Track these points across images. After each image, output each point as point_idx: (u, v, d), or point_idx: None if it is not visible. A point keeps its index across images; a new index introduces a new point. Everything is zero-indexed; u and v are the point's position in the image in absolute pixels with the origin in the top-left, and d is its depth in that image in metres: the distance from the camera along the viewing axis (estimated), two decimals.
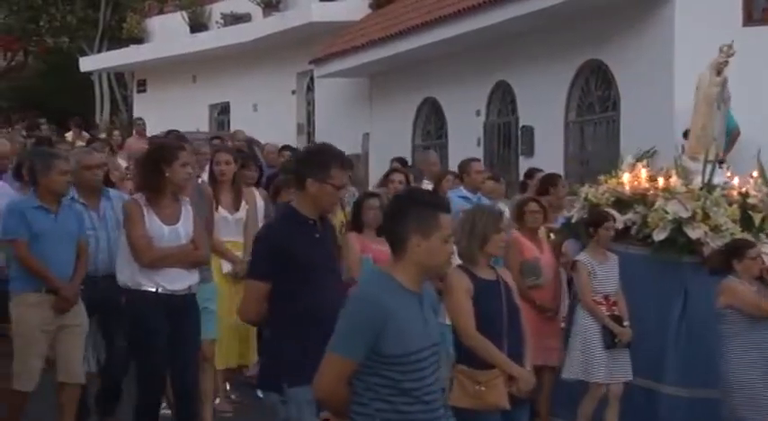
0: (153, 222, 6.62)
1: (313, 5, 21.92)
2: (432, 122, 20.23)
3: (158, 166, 6.66)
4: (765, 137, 12.77)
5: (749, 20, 14.24)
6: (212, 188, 8.42)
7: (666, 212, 8.69)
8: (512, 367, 6.00)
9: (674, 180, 9.10)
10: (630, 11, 14.85)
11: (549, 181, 10.75)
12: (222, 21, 25.33)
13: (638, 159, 9.75)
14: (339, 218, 9.89)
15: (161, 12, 28.59)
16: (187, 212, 6.79)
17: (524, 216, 8.86)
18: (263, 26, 23.53)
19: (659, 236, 8.67)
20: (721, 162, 9.69)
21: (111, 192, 8.03)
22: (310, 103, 24.31)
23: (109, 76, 31.54)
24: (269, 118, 23.51)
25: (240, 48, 24.12)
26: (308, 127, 24.41)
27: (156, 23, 28.37)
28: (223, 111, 26.91)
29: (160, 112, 24.99)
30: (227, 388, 9.06)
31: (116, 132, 20.60)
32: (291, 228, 5.30)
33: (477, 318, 6.01)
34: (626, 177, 9.38)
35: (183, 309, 6.72)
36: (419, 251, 4.08)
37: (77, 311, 7.30)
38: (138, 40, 28.29)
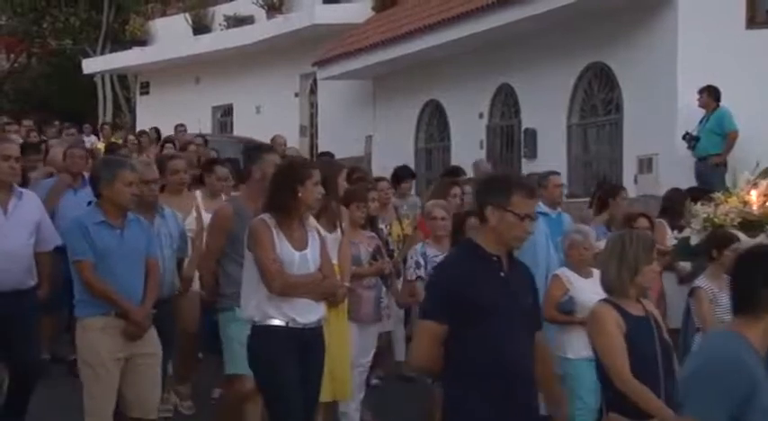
0: (283, 246, 5.96)
1: (316, 8, 21.95)
2: (435, 125, 20.24)
3: (291, 185, 6.01)
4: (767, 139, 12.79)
5: (752, 23, 14.25)
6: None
7: None
8: (673, 417, 5.04)
9: None
10: (634, 13, 14.86)
11: (611, 192, 10.13)
12: (225, 23, 25.33)
13: (761, 175, 8.88)
14: (396, 230, 9.49)
15: (164, 14, 28.63)
16: (314, 238, 6.16)
17: None
18: (266, 28, 23.55)
19: None
20: None
21: (166, 209, 7.44)
22: (313, 106, 24.32)
23: (112, 78, 31.58)
24: (272, 120, 23.49)
25: (243, 50, 24.14)
26: (310, 129, 24.43)
27: (159, 25, 28.39)
28: (226, 113, 26.93)
29: (163, 115, 24.99)
30: None
31: (145, 137, 19.28)
32: (471, 266, 4.62)
33: (630, 360, 5.25)
34: (753, 195, 8.67)
35: (312, 344, 6.08)
36: None
37: (150, 338, 6.57)
38: (142, 42, 28.30)
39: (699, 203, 9.21)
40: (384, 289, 8.28)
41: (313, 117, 24.36)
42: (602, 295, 5.63)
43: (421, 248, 8.14)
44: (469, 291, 4.55)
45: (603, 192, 10.30)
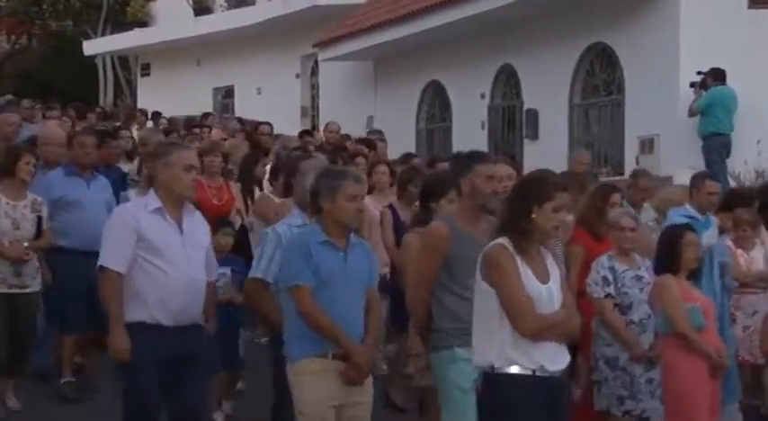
0: (528, 279, 4.94)
1: None
2: (436, 106, 20.21)
3: (525, 204, 4.98)
4: None
5: (754, 3, 14.24)
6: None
7: None
8: None
9: None
10: None
11: (739, 200, 8.79)
12: (226, 4, 25.33)
13: None
14: None
15: None
16: (554, 266, 5.12)
17: None
18: (267, 9, 23.52)
19: None
20: None
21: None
22: (314, 87, 24.30)
23: (113, 60, 31.54)
24: (273, 101, 23.50)
25: (244, 31, 24.11)
26: (311, 110, 24.42)
27: (159, 7, 28.37)
28: (227, 94, 26.92)
29: (164, 96, 24.98)
30: None
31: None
32: None
33: None
34: None
35: (557, 399, 5.06)
36: None
37: (367, 383, 5.70)
38: (142, 23, 28.28)
39: None
40: None
41: (314, 98, 24.35)
42: None
43: (608, 262, 7.16)
44: None
45: (731, 197, 8.99)
